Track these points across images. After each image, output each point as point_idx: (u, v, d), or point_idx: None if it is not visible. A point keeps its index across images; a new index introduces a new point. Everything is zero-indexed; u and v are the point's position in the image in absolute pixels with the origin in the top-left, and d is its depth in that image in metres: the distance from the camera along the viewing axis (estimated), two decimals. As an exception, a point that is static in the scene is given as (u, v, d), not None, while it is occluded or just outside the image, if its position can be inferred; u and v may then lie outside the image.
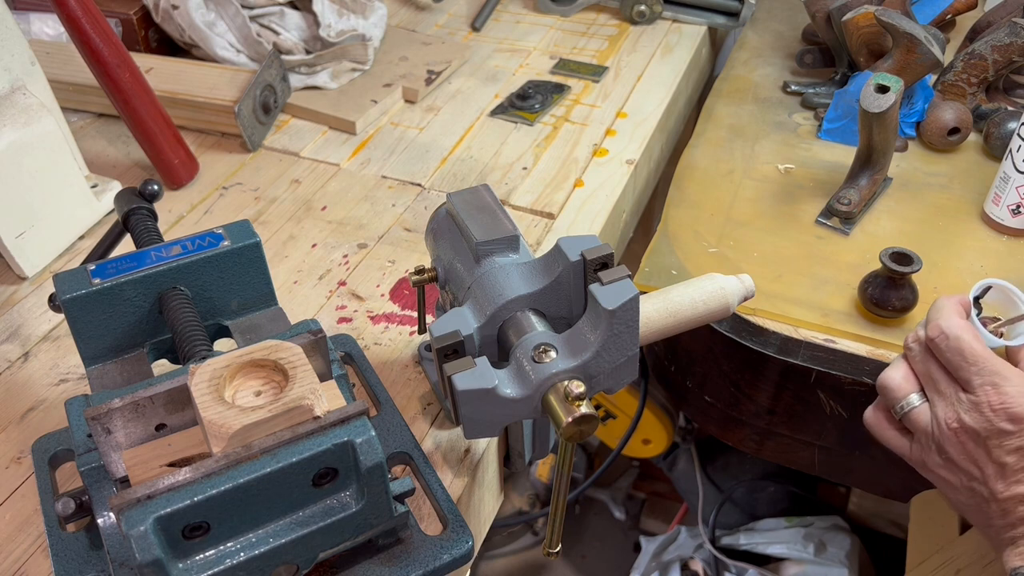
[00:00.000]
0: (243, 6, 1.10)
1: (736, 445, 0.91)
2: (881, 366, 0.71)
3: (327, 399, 0.50)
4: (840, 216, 0.91)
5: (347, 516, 0.49)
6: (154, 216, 0.68)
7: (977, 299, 0.69)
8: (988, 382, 0.61)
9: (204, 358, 0.54)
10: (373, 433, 0.48)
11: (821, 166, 1.01)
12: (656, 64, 1.24)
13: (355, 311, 0.82)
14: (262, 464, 0.45)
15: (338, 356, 0.67)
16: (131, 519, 0.42)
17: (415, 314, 0.81)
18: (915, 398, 0.66)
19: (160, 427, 0.51)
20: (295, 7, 1.14)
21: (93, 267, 0.58)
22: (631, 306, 0.54)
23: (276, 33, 1.12)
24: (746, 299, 0.67)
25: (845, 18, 1.01)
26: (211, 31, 1.10)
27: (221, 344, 0.65)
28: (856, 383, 0.76)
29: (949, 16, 1.22)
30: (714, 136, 1.07)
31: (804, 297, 0.83)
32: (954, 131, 1.01)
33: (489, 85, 1.18)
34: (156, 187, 0.69)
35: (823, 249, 0.89)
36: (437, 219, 0.65)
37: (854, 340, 0.80)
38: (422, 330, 0.73)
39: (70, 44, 0.93)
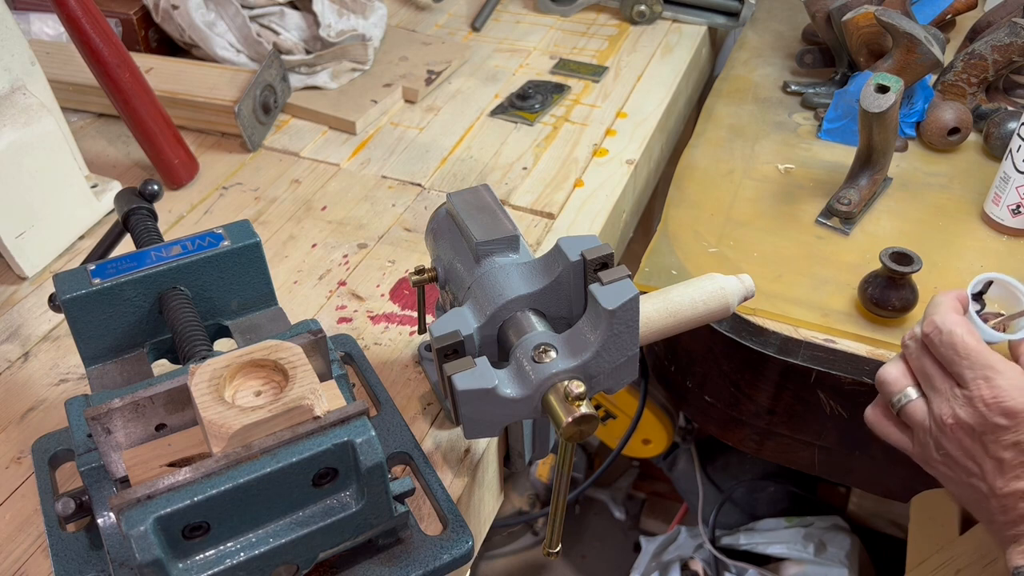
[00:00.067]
0: (243, 6, 1.10)
1: (736, 445, 0.91)
2: (881, 366, 0.71)
3: (327, 399, 0.50)
4: (840, 216, 0.91)
5: (347, 516, 0.49)
6: (154, 216, 0.68)
7: (980, 295, 0.69)
8: (980, 376, 0.60)
9: (204, 358, 0.54)
10: (373, 433, 0.48)
11: (821, 166, 1.01)
12: (656, 64, 1.24)
13: (355, 311, 0.82)
14: (262, 464, 0.45)
15: (338, 356, 0.67)
16: (131, 519, 0.42)
17: (415, 314, 0.81)
18: (912, 392, 0.66)
19: (160, 427, 0.51)
20: (295, 7, 1.14)
21: (93, 267, 0.58)
22: (631, 306, 0.54)
23: (276, 33, 1.12)
24: (746, 299, 0.67)
25: (845, 18, 1.01)
26: (211, 31, 1.10)
27: (221, 344, 0.65)
28: (856, 383, 0.76)
29: (949, 16, 1.22)
30: (714, 136, 1.07)
31: (804, 297, 0.83)
32: (954, 131, 1.01)
33: (489, 85, 1.18)
34: (156, 187, 0.69)
35: (823, 249, 0.89)
36: (437, 219, 0.65)
37: (854, 340, 0.80)
38: (422, 330, 0.73)
39: (70, 44, 0.93)
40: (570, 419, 0.51)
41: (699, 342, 0.85)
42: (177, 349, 0.57)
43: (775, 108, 1.12)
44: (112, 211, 0.91)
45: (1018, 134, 0.85)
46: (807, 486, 1.51)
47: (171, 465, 0.49)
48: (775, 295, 0.84)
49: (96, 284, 0.57)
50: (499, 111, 1.12)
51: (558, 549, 0.58)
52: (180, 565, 0.45)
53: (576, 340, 0.55)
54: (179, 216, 0.94)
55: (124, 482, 0.50)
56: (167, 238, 0.62)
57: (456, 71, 1.21)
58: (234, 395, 0.48)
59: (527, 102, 1.12)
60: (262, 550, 0.47)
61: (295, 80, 1.12)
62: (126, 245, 0.69)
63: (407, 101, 1.15)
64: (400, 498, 0.54)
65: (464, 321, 0.57)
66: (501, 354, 0.59)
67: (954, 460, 0.63)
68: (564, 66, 1.21)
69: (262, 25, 1.12)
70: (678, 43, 1.29)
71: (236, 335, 0.63)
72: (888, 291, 0.78)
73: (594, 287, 0.54)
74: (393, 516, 0.52)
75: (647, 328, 0.64)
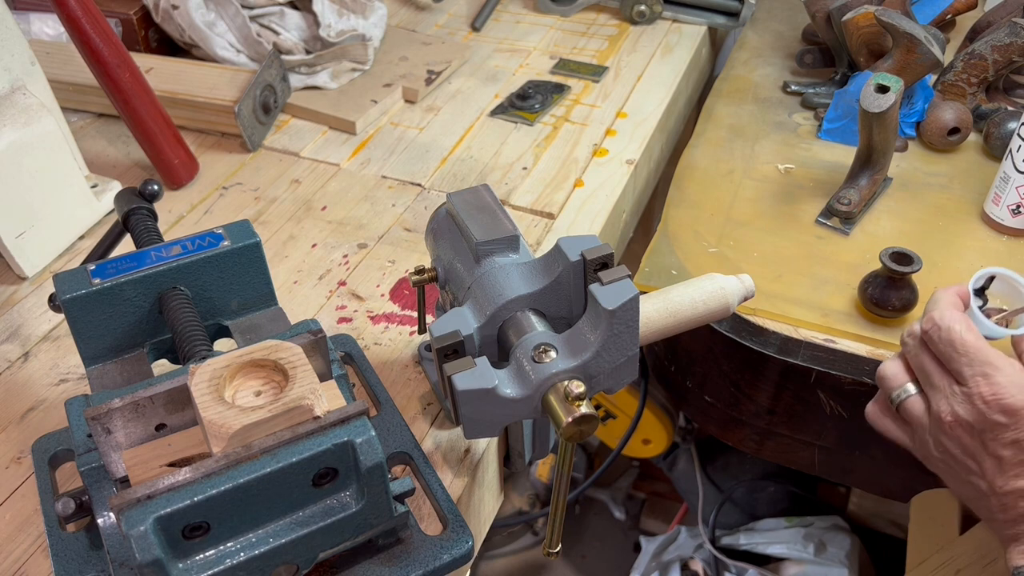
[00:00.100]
0: (243, 6, 1.10)
1: (736, 445, 0.91)
2: (881, 365, 0.71)
3: (327, 399, 0.50)
4: (840, 216, 0.91)
5: (347, 516, 0.49)
6: (154, 216, 0.68)
7: (982, 290, 0.68)
8: (979, 372, 0.59)
9: (204, 358, 0.54)
10: (373, 433, 0.48)
11: (821, 166, 1.01)
12: (656, 64, 1.24)
13: (355, 311, 0.82)
14: (262, 464, 0.45)
15: (338, 356, 0.67)
16: (131, 519, 0.42)
17: (415, 314, 0.81)
18: (911, 387, 0.65)
19: (160, 427, 0.51)
20: (295, 7, 1.14)
21: (93, 267, 0.58)
22: (631, 306, 0.54)
23: (276, 33, 1.12)
24: (746, 299, 0.67)
25: (845, 18, 1.01)
26: (211, 31, 1.10)
27: (221, 344, 0.65)
28: (856, 383, 0.76)
29: (949, 16, 1.22)
30: (714, 136, 1.07)
31: (804, 297, 0.83)
32: (954, 131, 1.01)
33: (489, 85, 1.18)
34: (156, 187, 0.69)
35: (823, 249, 0.89)
36: (437, 219, 0.65)
37: (854, 340, 0.80)
38: (422, 330, 0.73)
39: (70, 44, 0.93)
40: (570, 419, 0.51)
41: (699, 342, 0.85)
42: (177, 349, 0.57)
43: (775, 108, 1.12)
44: (112, 211, 0.91)
45: (1018, 134, 0.85)
46: (807, 486, 1.51)
47: (171, 465, 0.49)
48: (775, 295, 0.84)
49: (96, 284, 0.57)
50: (499, 111, 1.12)
51: (558, 549, 0.58)
52: (180, 565, 0.45)
53: (576, 340, 0.55)
54: (179, 216, 0.94)
55: (124, 482, 0.50)
56: (167, 238, 0.62)
57: (456, 71, 1.21)
58: (234, 395, 0.48)
59: (527, 102, 1.12)
60: (262, 550, 0.47)
61: (295, 80, 1.12)
62: (126, 245, 0.69)
63: (407, 101, 1.15)
64: (400, 498, 0.54)
65: (464, 321, 0.57)
66: (501, 354, 0.59)
67: (953, 457, 0.62)
68: (564, 66, 1.21)
69: (262, 25, 1.12)
70: (678, 43, 1.29)
71: (236, 335, 0.63)
72: (888, 291, 0.78)
73: (594, 287, 0.54)
74: (393, 516, 0.52)
75: (647, 328, 0.64)
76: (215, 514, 0.45)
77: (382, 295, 0.83)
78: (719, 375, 0.85)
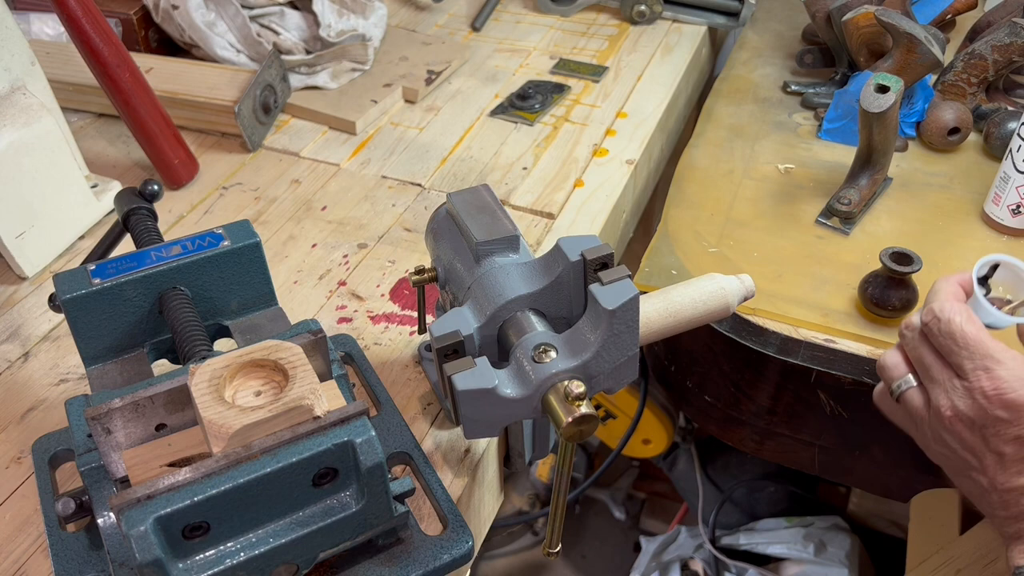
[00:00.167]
0: (243, 6, 1.10)
1: (736, 445, 0.91)
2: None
3: (327, 399, 0.50)
4: (840, 216, 0.91)
5: (347, 516, 0.49)
6: (154, 216, 0.68)
7: (985, 279, 0.65)
8: (980, 366, 0.58)
9: (204, 358, 0.54)
10: (373, 433, 0.48)
11: (821, 166, 1.01)
12: (656, 64, 1.24)
13: (355, 311, 0.82)
14: (262, 464, 0.45)
15: (338, 356, 0.67)
16: (131, 519, 0.42)
17: (415, 314, 0.81)
18: (912, 378, 0.64)
19: (160, 427, 0.51)
20: (295, 7, 1.14)
21: (93, 267, 0.58)
22: (631, 306, 0.54)
23: (276, 33, 1.12)
24: (746, 299, 0.67)
25: (845, 18, 1.01)
26: (211, 31, 1.10)
27: (221, 344, 0.65)
28: (856, 383, 0.76)
29: (949, 16, 1.22)
30: (714, 136, 1.07)
31: (804, 297, 0.83)
32: (954, 131, 1.01)
33: (489, 85, 1.18)
34: (156, 187, 0.69)
35: (823, 249, 0.89)
36: (437, 219, 0.65)
37: (854, 340, 0.80)
38: (422, 330, 0.73)
39: (70, 44, 0.93)
40: (570, 419, 0.51)
41: (699, 342, 0.85)
42: (177, 349, 0.57)
43: (775, 108, 1.12)
44: (112, 211, 0.91)
45: (1018, 134, 0.85)
46: (807, 486, 1.51)
47: (171, 465, 0.49)
48: (775, 295, 0.84)
49: (96, 284, 0.57)
50: (499, 111, 1.12)
51: (558, 549, 0.58)
52: (180, 565, 0.45)
53: (576, 340, 0.55)
54: (179, 216, 0.94)
55: (124, 482, 0.50)
56: (167, 238, 0.62)
57: (456, 71, 1.21)
58: (234, 395, 0.48)
59: (527, 102, 1.12)
60: (262, 550, 0.47)
61: (295, 80, 1.12)
62: (126, 245, 0.69)
63: (407, 101, 1.15)
64: (400, 498, 0.54)
65: (464, 321, 0.57)
66: (501, 354, 0.59)
67: (954, 452, 0.61)
68: (564, 66, 1.21)
69: (262, 25, 1.12)
70: (678, 43, 1.29)
71: (236, 335, 0.63)
72: (888, 291, 0.78)
73: (594, 287, 0.54)
74: (393, 516, 0.52)
75: (647, 328, 0.64)
76: (215, 514, 0.45)
77: (382, 295, 0.83)
78: (719, 375, 0.85)
